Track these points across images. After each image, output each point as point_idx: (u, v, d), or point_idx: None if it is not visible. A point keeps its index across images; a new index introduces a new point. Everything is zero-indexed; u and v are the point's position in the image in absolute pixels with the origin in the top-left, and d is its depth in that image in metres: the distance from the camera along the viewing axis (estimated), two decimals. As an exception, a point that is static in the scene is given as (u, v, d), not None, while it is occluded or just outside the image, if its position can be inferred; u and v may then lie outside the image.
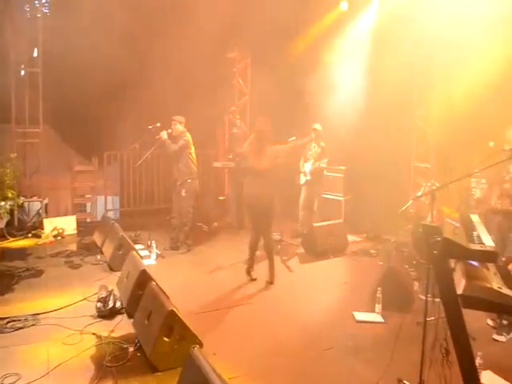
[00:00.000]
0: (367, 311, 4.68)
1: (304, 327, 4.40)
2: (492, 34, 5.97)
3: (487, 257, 2.53)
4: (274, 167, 5.28)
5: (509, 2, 5.70)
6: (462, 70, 6.40)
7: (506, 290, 2.43)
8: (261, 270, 5.68)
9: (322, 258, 6.47)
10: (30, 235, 7.22)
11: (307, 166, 7.45)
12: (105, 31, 6.95)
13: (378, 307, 4.60)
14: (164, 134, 6.41)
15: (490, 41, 6.06)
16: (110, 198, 8.74)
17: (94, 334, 4.06)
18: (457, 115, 6.55)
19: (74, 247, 6.73)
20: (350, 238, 7.22)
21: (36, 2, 7.64)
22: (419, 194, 6.35)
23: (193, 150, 6.61)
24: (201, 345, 3.54)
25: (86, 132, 7.84)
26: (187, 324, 3.64)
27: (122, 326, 4.24)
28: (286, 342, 4.11)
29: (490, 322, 4.45)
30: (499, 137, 4.58)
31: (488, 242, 2.64)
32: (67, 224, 7.44)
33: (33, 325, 4.19)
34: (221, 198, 9.09)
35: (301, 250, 6.78)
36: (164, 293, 4.10)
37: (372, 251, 6.75)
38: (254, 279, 5.57)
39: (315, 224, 6.86)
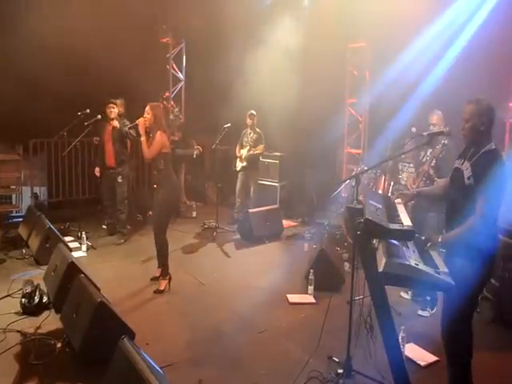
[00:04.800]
0: (300, 293, 4.80)
1: (238, 312, 4.44)
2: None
3: (405, 235, 2.68)
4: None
5: None
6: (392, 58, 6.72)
7: (422, 266, 2.58)
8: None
9: (258, 244, 6.54)
10: None
11: (243, 153, 7.47)
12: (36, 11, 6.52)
13: (311, 289, 4.74)
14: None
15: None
16: (36, 189, 8.25)
17: (18, 331, 3.85)
18: (387, 102, 6.84)
19: (-4, 241, 6.32)
20: (285, 222, 7.35)
21: None
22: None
23: None
24: (133, 335, 3.48)
25: (8, 117, 7.26)
26: (119, 315, 3.56)
27: (50, 321, 4.06)
28: (220, 327, 4.13)
29: (404, 295, 4.76)
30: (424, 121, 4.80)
31: (406, 221, 2.79)
32: (-11, 217, 6.98)
33: None
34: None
35: (237, 237, 6.81)
36: (94, 285, 3.97)
37: (306, 235, 6.91)
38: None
39: (250, 210, 6.91)
